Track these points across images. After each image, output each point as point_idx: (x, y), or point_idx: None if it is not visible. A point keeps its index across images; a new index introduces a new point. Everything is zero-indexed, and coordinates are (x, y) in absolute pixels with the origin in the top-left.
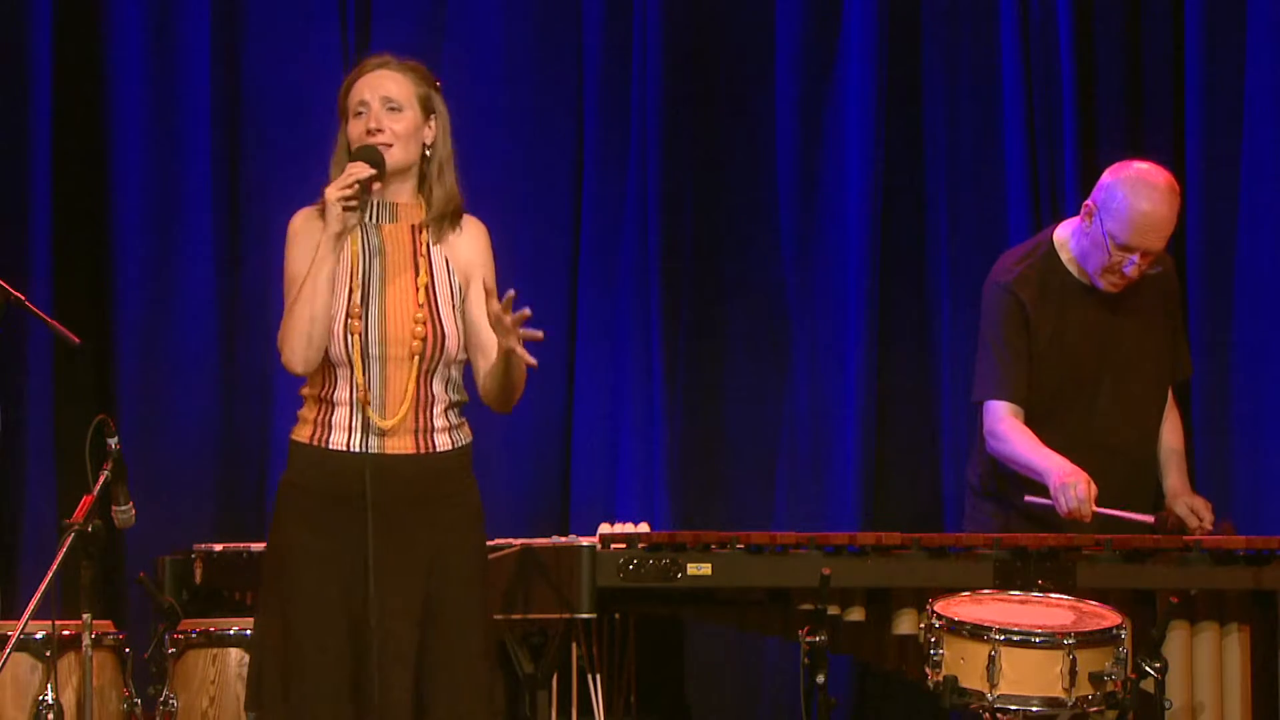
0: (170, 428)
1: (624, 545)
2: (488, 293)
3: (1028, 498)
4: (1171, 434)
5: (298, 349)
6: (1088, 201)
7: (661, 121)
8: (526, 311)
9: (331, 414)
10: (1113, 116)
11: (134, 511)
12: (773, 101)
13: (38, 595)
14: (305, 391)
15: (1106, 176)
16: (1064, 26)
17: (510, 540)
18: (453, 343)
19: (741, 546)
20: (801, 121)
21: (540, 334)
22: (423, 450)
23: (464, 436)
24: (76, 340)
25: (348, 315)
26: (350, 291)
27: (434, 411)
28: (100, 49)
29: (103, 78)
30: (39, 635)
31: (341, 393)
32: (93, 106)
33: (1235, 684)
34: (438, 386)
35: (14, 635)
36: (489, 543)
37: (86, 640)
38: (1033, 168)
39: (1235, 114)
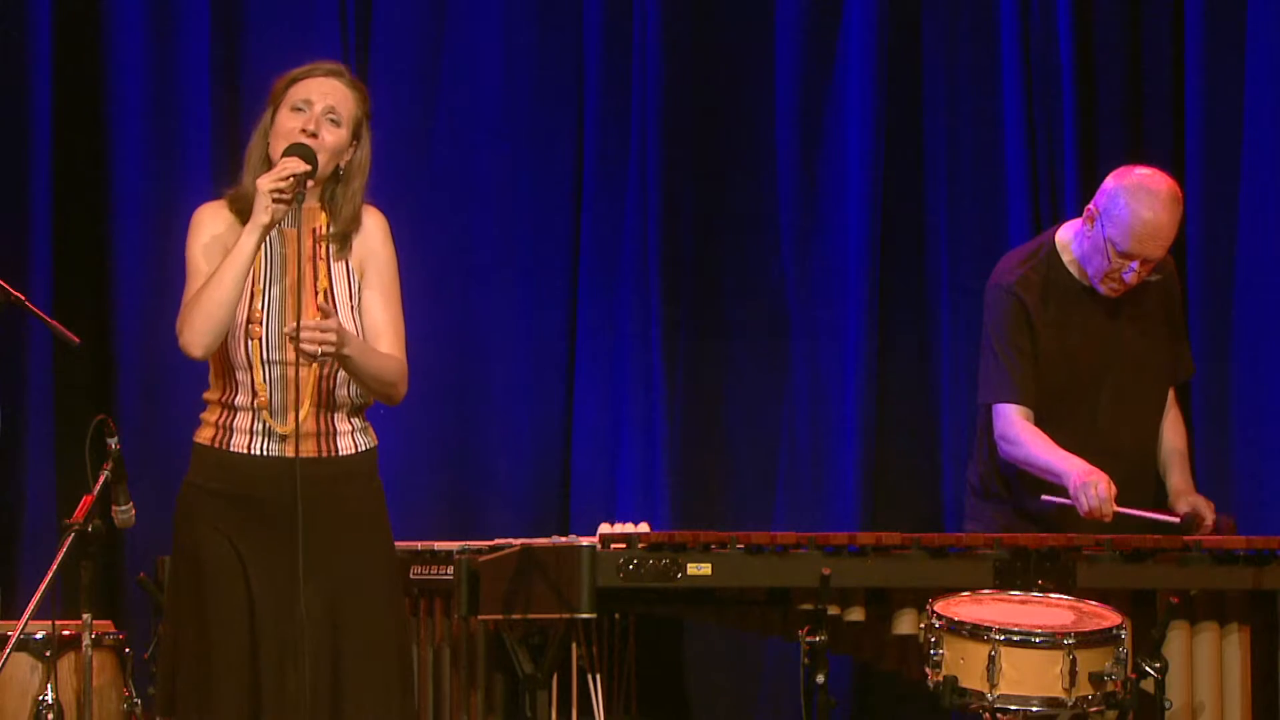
0: (170, 428)
1: (624, 545)
2: (384, 285)
3: (1045, 496)
4: (1173, 433)
5: (201, 332)
6: (1090, 205)
7: (661, 122)
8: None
9: (233, 418)
10: (1113, 116)
11: (134, 511)
12: (773, 102)
13: (38, 595)
14: (206, 395)
15: (1110, 181)
16: (1064, 27)
17: (510, 540)
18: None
19: (741, 546)
20: (801, 122)
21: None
22: (325, 454)
23: (368, 440)
24: (76, 340)
25: (248, 320)
26: (251, 296)
27: (336, 415)
28: (100, 49)
29: (103, 78)
30: (39, 635)
31: (242, 397)
32: (93, 107)
33: (1235, 684)
34: (340, 390)
35: (14, 635)
36: (488, 543)
37: (86, 640)
38: (1033, 168)
39: (1235, 114)
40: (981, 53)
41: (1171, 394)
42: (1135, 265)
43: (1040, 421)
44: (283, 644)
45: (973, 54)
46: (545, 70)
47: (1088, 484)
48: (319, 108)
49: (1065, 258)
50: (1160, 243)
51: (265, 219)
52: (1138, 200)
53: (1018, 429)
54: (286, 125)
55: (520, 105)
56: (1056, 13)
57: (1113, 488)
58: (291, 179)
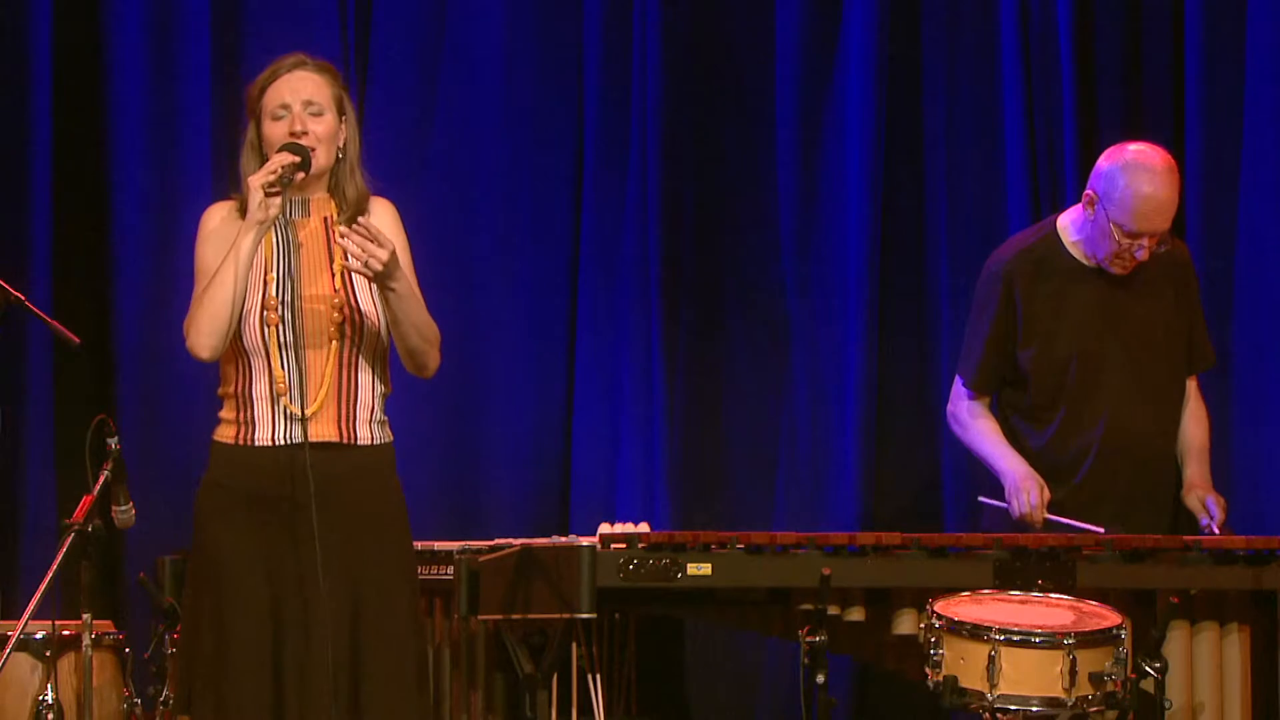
0: (170, 428)
1: (624, 545)
2: (404, 266)
3: (981, 498)
4: (1195, 426)
5: (207, 333)
6: (1087, 190)
7: (662, 121)
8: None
9: (252, 410)
10: (1113, 111)
11: (134, 511)
12: (773, 101)
13: (38, 595)
14: (223, 391)
15: (1104, 162)
16: (1063, 23)
17: (510, 540)
18: (372, 321)
19: (741, 546)
20: (801, 121)
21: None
22: (345, 439)
23: (386, 434)
24: (76, 340)
25: (264, 307)
26: (265, 284)
27: (357, 401)
28: (101, 50)
29: (103, 79)
30: (39, 635)
31: (260, 386)
32: (93, 107)
33: (1235, 684)
34: (362, 376)
35: (14, 635)
36: (488, 543)
37: (86, 640)
38: (1033, 166)
39: (1235, 109)
40: (981, 51)
41: (1194, 386)
42: (1144, 242)
43: (1048, 399)
44: (305, 640)
45: (972, 52)
46: (545, 69)
47: (1022, 489)
48: (296, 106)
49: (1066, 240)
50: (1164, 215)
51: (260, 215)
52: (1136, 178)
53: (965, 411)
54: (274, 134)
55: (520, 104)
56: (1056, 9)
57: (1045, 493)
58: (279, 170)
